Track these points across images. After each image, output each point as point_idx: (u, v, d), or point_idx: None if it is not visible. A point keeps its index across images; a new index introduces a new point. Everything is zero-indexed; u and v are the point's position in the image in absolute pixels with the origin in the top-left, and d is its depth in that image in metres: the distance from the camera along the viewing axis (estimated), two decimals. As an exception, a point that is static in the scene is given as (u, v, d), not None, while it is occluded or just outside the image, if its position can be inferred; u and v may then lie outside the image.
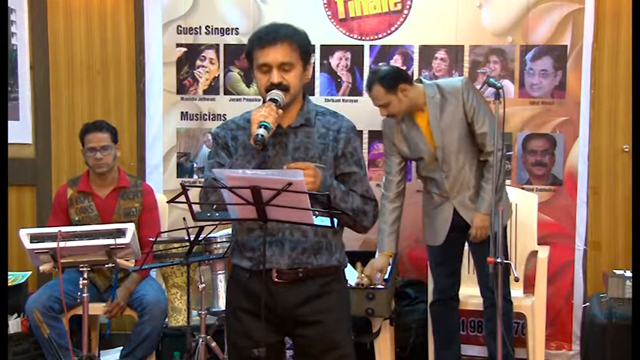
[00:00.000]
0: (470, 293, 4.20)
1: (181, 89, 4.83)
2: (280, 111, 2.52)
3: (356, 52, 4.66)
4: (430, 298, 4.22)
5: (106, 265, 3.58)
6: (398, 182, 4.05)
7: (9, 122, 4.41)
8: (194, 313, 3.82)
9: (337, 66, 4.68)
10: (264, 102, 2.56)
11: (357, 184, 2.65)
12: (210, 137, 2.70)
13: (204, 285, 3.66)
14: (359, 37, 4.64)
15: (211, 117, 4.80)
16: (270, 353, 2.56)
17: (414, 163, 4.22)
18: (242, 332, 2.65)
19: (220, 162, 2.63)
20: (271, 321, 2.58)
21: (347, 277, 2.83)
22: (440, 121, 3.89)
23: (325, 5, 4.66)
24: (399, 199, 4.05)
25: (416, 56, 4.61)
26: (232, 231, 2.75)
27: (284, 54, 2.55)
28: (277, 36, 2.56)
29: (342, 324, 2.68)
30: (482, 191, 3.90)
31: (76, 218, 4.15)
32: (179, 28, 4.79)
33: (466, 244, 4.10)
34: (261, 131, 2.45)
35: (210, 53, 4.79)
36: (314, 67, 4.65)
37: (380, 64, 4.46)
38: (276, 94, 2.53)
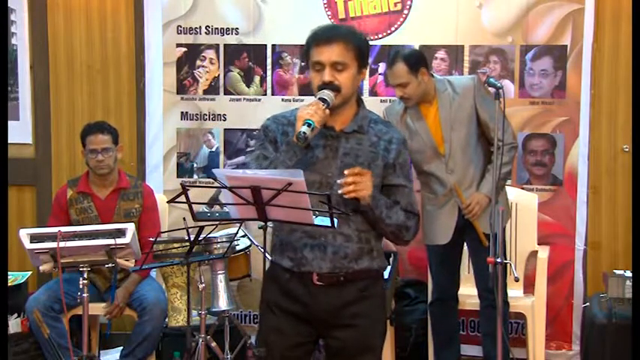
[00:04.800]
0: (469, 293, 4.20)
1: (181, 89, 4.83)
2: (327, 111, 2.50)
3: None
4: (430, 298, 4.22)
5: (106, 265, 3.58)
6: None
7: (9, 122, 4.40)
8: (194, 313, 3.81)
9: (337, 66, 4.67)
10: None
11: (403, 197, 2.64)
12: (260, 128, 2.70)
13: (204, 285, 3.66)
14: (359, 37, 4.64)
15: (211, 117, 4.80)
16: (299, 353, 2.61)
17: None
18: (276, 328, 2.64)
19: (265, 154, 2.61)
20: (309, 322, 2.60)
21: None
22: (450, 115, 3.88)
23: (325, 5, 4.66)
24: None
25: (416, 56, 4.60)
26: (273, 230, 2.72)
27: (338, 53, 2.53)
28: (333, 35, 2.55)
29: (377, 329, 2.69)
30: (487, 173, 3.89)
31: (76, 218, 4.14)
32: (179, 28, 4.79)
33: (465, 244, 4.10)
34: (304, 129, 2.43)
35: (210, 53, 4.78)
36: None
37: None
38: (326, 93, 2.52)
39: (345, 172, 2.49)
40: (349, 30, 2.62)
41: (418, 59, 3.85)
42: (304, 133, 2.43)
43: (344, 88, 2.54)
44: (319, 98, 2.51)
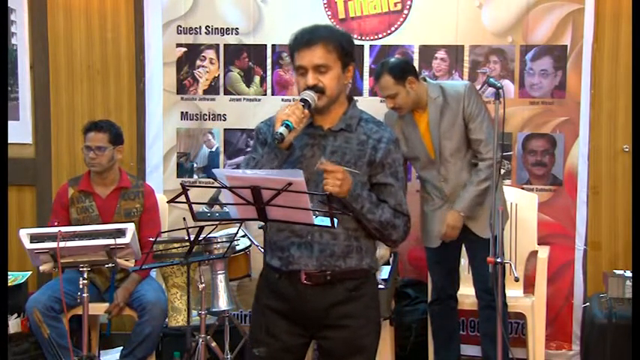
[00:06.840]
0: (469, 293, 4.20)
1: (181, 89, 4.83)
2: (307, 112, 2.50)
3: (356, 52, 4.62)
4: (430, 298, 4.22)
5: (106, 265, 3.58)
6: None
7: (9, 122, 4.41)
8: (194, 313, 3.82)
9: (337, 66, 4.67)
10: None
11: (390, 196, 2.62)
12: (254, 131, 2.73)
13: (204, 285, 3.66)
14: (359, 37, 4.63)
15: (211, 117, 4.80)
16: (290, 356, 2.61)
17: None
18: (266, 329, 2.64)
19: (255, 156, 2.63)
20: (299, 322, 2.60)
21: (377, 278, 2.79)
22: (439, 125, 3.88)
23: (325, 5, 4.66)
24: None
25: (416, 56, 4.61)
26: (265, 230, 2.73)
27: (319, 56, 2.53)
28: (312, 38, 2.55)
29: (369, 329, 2.67)
30: (464, 190, 3.89)
31: (77, 217, 4.14)
32: (179, 28, 4.79)
33: (463, 246, 4.10)
34: (281, 129, 2.45)
35: (210, 53, 4.78)
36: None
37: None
38: (307, 94, 2.52)
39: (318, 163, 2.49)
40: (329, 30, 2.62)
41: (404, 69, 3.84)
42: (280, 133, 2.45)
43: (328, 90, 2.55)
44: (300, 99, 2.52)
